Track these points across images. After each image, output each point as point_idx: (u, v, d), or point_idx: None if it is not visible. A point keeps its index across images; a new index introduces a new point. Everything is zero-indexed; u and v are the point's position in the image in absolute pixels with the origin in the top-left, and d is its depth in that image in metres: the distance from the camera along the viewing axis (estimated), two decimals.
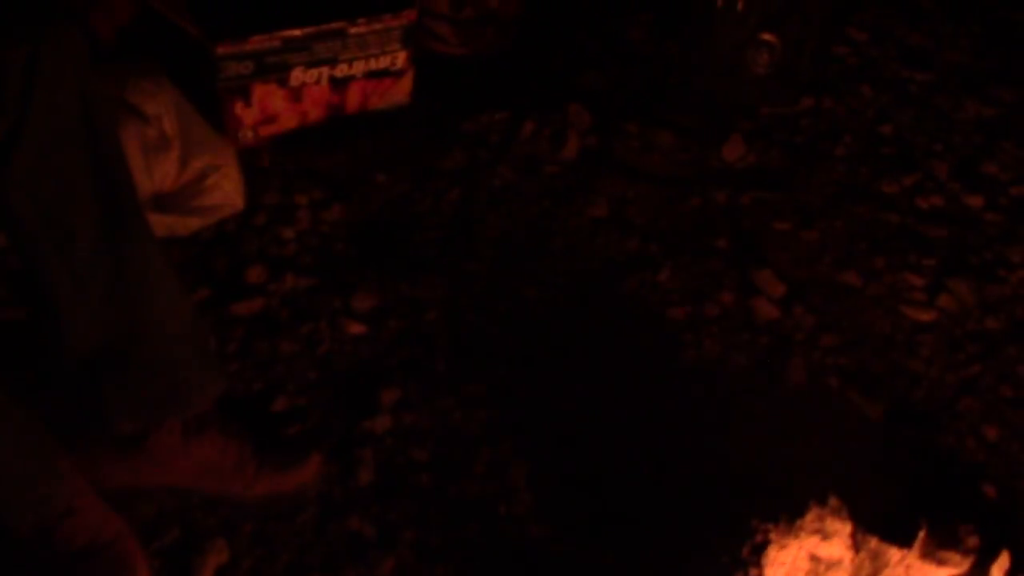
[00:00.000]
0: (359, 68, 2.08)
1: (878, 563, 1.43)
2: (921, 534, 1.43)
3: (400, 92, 2.18)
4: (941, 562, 1.45)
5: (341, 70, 2.06)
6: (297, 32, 1.96)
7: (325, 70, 2.04)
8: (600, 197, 2.15)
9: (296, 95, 2.03)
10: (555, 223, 2.08)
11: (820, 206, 2.19)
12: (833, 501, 1.41)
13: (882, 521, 1.44)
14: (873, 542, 1.42)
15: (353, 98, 2.12)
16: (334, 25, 1.99)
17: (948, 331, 1.91)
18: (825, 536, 1.38)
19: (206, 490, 1.51)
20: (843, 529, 1.39)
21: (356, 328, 1.81)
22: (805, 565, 1.37)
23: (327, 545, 1.50)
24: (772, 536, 1.37)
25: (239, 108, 1.97)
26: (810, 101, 2.48)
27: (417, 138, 2.21)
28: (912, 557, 1.44)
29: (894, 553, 1.42)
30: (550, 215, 2.10)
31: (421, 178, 2.13)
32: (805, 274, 2.01)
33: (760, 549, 1.37)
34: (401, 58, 2.13)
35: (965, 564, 1.45)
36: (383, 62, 2.11)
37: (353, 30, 2.02)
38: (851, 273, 2.02)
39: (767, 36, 2.35)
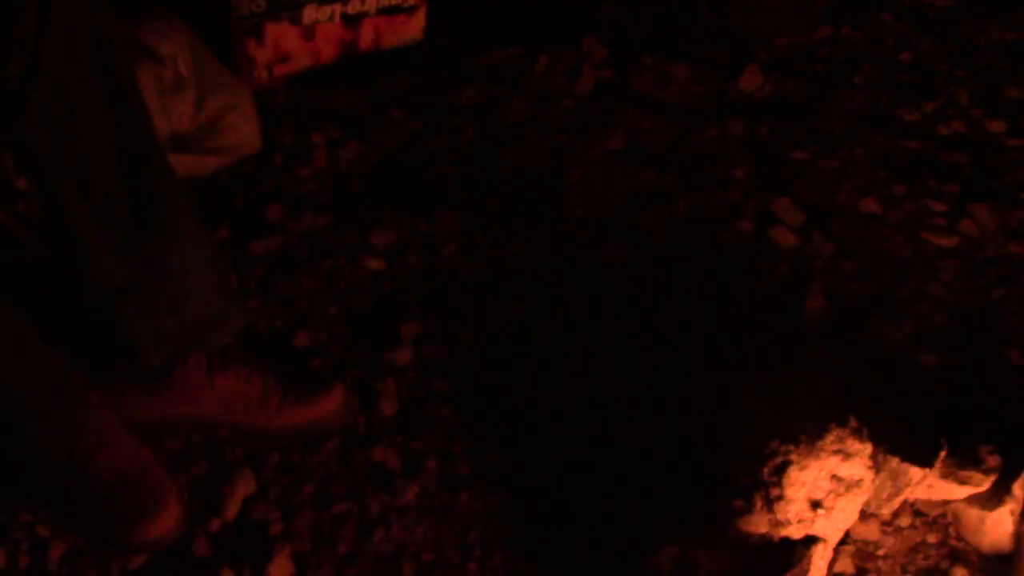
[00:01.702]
0: (371, 4, 2.07)
1: (899, 483, 1.44)
2: (942, 454, 1.44)
3: (413, 28, 2.17)
4: (962, 481, 1.46)
5: (353, 7, 2.05)
6: None
7: (337, 7, 2.03)
8: (616, 130, 2.14)
9: (309, 33, 2.02)
10: (572, 157, 2.07)
11: (839, 134, 2.16)
12: (853, 422, 1.41)
13: (903, 442, 1.44)
14: (894, 462, 1.43)
15: (366, 35, 2.11)
16: None
17: (969, 256, 1.90)
18: (846, 456, 1.39)
19: (232, 422, 1.53)
20: (863, 450, 1.40)
21: (375, 263, 1.82)
22: (826, 485, 1.38)
23: (352, 474, 1.53)
24: (793, 457, 1.38)
25: (252, 47, 1.97)
26: (828, 30, 2.44)
27: (431, 75, 2.20)
28: (933, 477, 1.45)
29: (915, 473, 1.43)
30: (566, 149, 2.09)
31: (436, 114, 2.13)
32: (824, 202, 2.00)
33: (781, 470, 1.37)
34: None
35: (986, 483, 1.45)
36: None
37: None
38: (871, 200, 2.00)
39: None
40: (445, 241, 1.87)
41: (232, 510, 1.47)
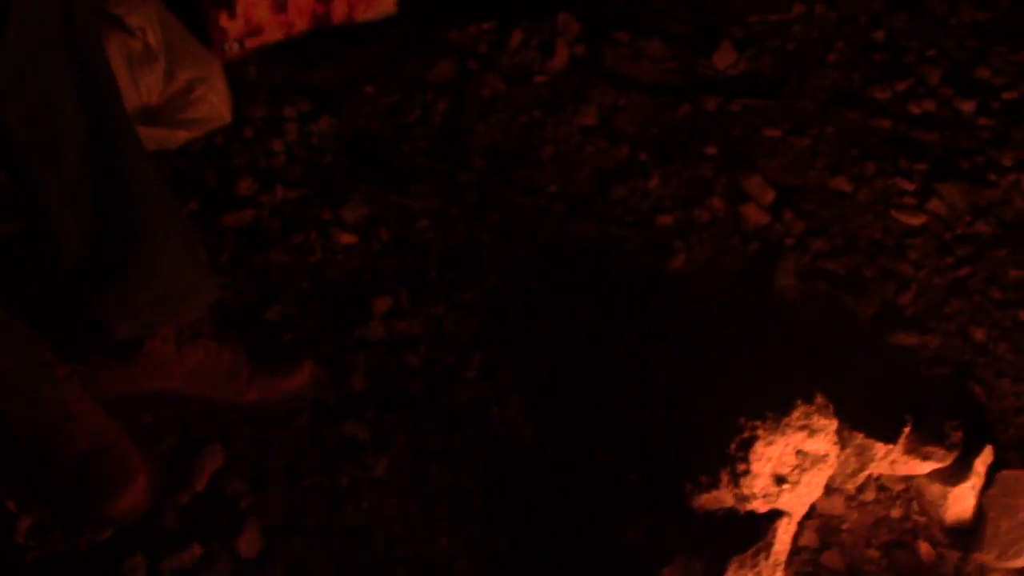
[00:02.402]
0: None
1: (863, 458, 1.46)
2: (906, 430, 1.46)
3: (386, 2, 2.15)
4: (925, 456, 1.48)
5: None
6: None
7: None
8: (590, 106, 2.14)
9: (281, 5, 2.01)
10: (545, 132, 2.07)
11: (811, 112, 2.18)
12: (819, 399, 1.43)
13: (868, 418, 1.46)
14: (859, 438, 1.45)
15: (339, 8, 2.09)
16: None
17: (938, 235, 1.92)
18: (811, 432, 1.40)
19: (202, 396, 1.53)
20: (829, 425, 1.41)
21: (347, 238, 1.81)
22: (791, 460, 1.40)
23: (322, 448, 1.53)
24: (759, 432, 1.39)
25: (224, 19, 1.95)
26: (801, 7, 2.45)
27: (405, 49, 2.19)
28: (897, 452, 1.47)
29: (879, 448, 1.45)
30: (540, 125, 2.09)
31: (410, 89, 2.12)
32: (795, 180, 2.01)
33: (747, 444, 1.39)
34: None
35: (949, 458, 1.48)
36: None
37: None
38: (841, 179, 2.02)
39: None
40: (417, 216, 1.87)
41: (201, 483, 1.47)
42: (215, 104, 1.94)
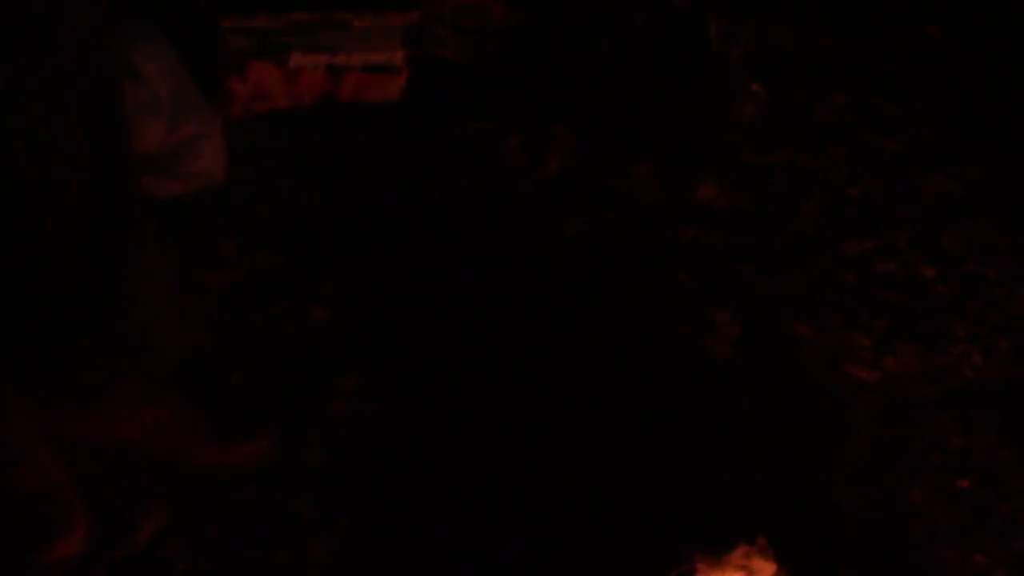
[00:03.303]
0: (357, 60, 2.11)
1: None
2: None
3: (393, 89, 2.21)
4: None
5: (340, 59, 2.09)
6: (303, 16, 1.99)
7: (324, 57, 2.07)
8: (574, 218, 2.19)
9: (292, 77, 2.06)
10: (529, 237, 2.12)
11: (783, 256, 2.25)
12: (761, 541, 1.46)
13: (805, 567, 1.49)
14: None
15: (347, 88, 2.15)
16: (340, 15, 2.03)
17: (888, 393, 1.97)
18: (750, 573, 1.43)
19: (154, 452, 1.52)
20: (767, 569, 1.44)
21: (322, 313, 1.83)
22: None
23: (266, 521, 1.52)
24: (699, 567, 1.42)
25: (235, 82, 1.99)
26: (786, 154, 2.55)
27: (404, 137, 2.25)
28: None
29: None
30: (525, 229, 2.14)
31: (403, 175, 2.17)
32: (761, 319, 2.07)
33: None
34: (399, 56, 2.17)
35: None
36: (381, 58, 2.14)
37: (357, 23, 2.06)
38: (804, 325, 2.08)
39: (755, 87, 2.42)
40: (395, 301, 1.89)
41: (140, 542, 1.46)
42: (212, 162, 1.97)
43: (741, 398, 1.88)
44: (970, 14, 3.03)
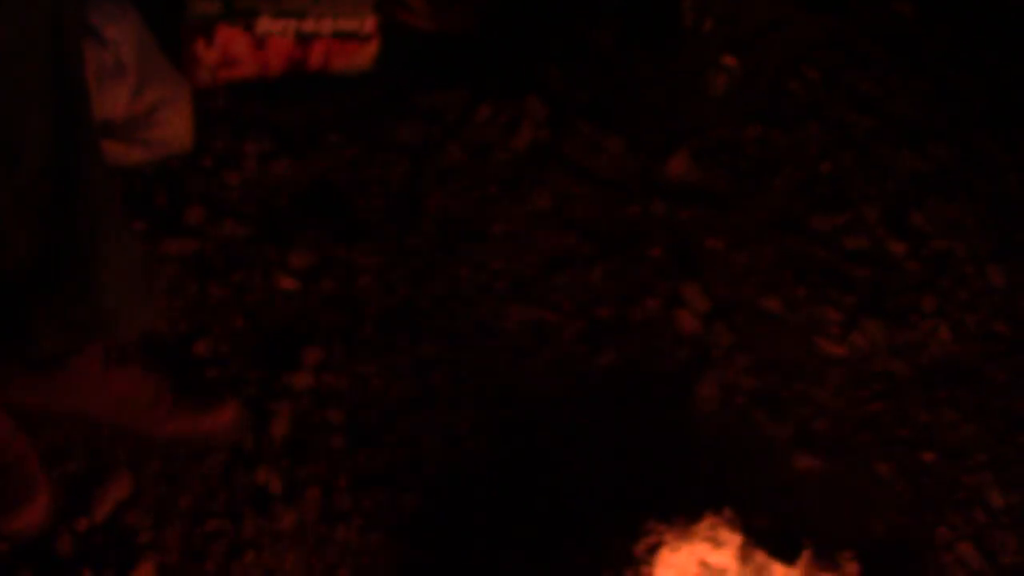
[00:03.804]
0: (326, 26, 2.08)
1: None
2: (805, 553, 1.50)
3: (363, 57, 2.18)
4: None
5: (308, 25, 2.05)
6: None
7: (292, 23, 2.03)
8: (545, 190, 2.18)
9: (260, 43, 2.02)
10: (498, 209, 2.11)
11: (753, 231, 2.25)
12: (727, 512, 1.47)
13: (771, 537, 1.50)
14: (760, 556, 1.48)
15: (316, 56, 2.11)
16: None
17: (856, 367, 1.99)
18: (716, 544, 1.44)
19: (117, 422, 1.51)
20: (733, 540, 1.45)
21: (288, 283, 1.81)
22: (694, 570, 1.43)
23: (231, 492, 1.51)
24: (666, 538, 1.43)
25: (201, 47, 1.95)
26: (758, 130, 2.54)
27: (374, 106, 2.22)
28: (795, 574, 1.51)
29: (777, 568, 1.49)
30: (494, 201, 2.12)
31: (373, 146, 2.14)
32: (730, 294, 2.07)
33: (654, 549, 1.42)
34: (369, 23, 2.13)
35: None
36: (351, 24, 2.11)
37: None
38: (774, 299, 2.09)
39: (728, 60, 2.41)
40: (362, 272, 1.88)
41: (102, 512, 1.44)
42: (178, 128, 1.93)
43: (708, 372, 1.88)
44: None
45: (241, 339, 1.71)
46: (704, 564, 1.43)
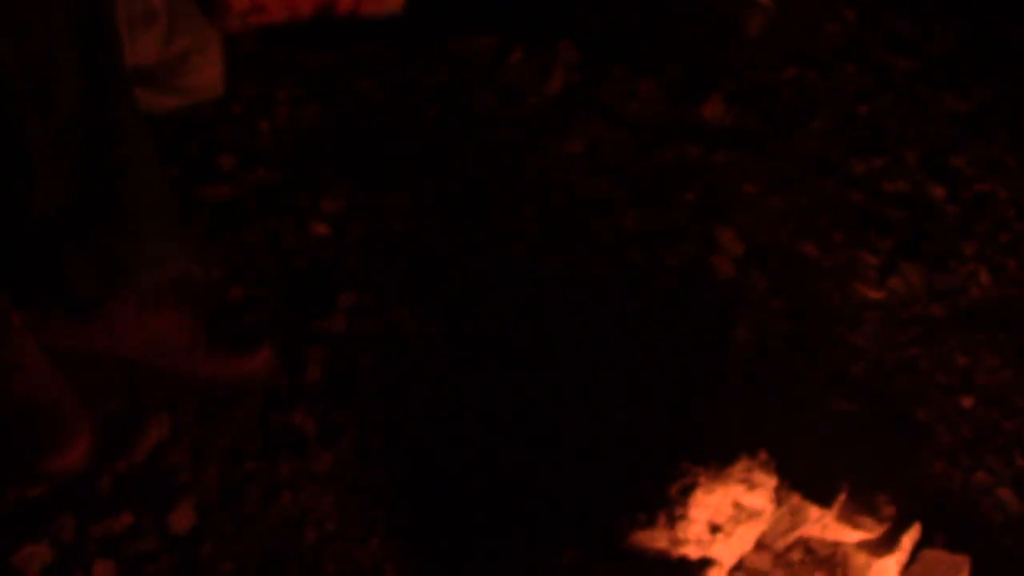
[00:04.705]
0: None
1: (797, 519, 1.49)
2: (841, 497, 1.49)
3: (393, 1, 2.15)
4: (856, 525, 1.51)
5: None
6: None
7: None
8: (577, 135, 2.16)
9: None
10: (530, 155, 2.09)
11: (790, 175, 2.22)
12: (762, 455, 1.46)
13: (806, 480, 1.49)
14: (795, 498, 1.48)
15: (346, 0, 2.08)
16: None
17: (894, 312, 1.97)
18: (751, 486, 1.43)
19: (155, 365, 1.52)
20: (768, 482, 1.44)
21: (321, 229, 1.81)
22: (728, 511, 1.42)
23: (267, 434, 1.52)
24: (701, 480, 1.42)
25: None
26: (795, 71, 2.50)
27: (405, 50, 2.20)
28: (829, 517, 1.50)
29: (813, 511, 1.48)
30: (526, 146, 2.11)
31: (404, 90, 2.13)
32: (766, 238, 2.05)
33: (688, 491, 1.41)
34: None
35: (878, 530, 1.51)
36: None
37: None
38: (810, 244, 2.06)
39: (764, 0, 2.37)
40: (394, 217, 1.87)
41: (141, 452, 1.46)
42: (209, 75, 1.92)
43: (744, 316, 1.86)
44: None
45: (274, 284, 1.71)
46: (738, 505, 1.43)
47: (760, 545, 1.51)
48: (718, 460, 1.44)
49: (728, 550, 1.42)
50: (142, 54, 1.86)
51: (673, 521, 1.39)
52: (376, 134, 2.03)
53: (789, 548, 1.55)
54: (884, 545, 1.51)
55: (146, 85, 1.86)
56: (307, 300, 1.71)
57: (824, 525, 1.51)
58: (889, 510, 1.52)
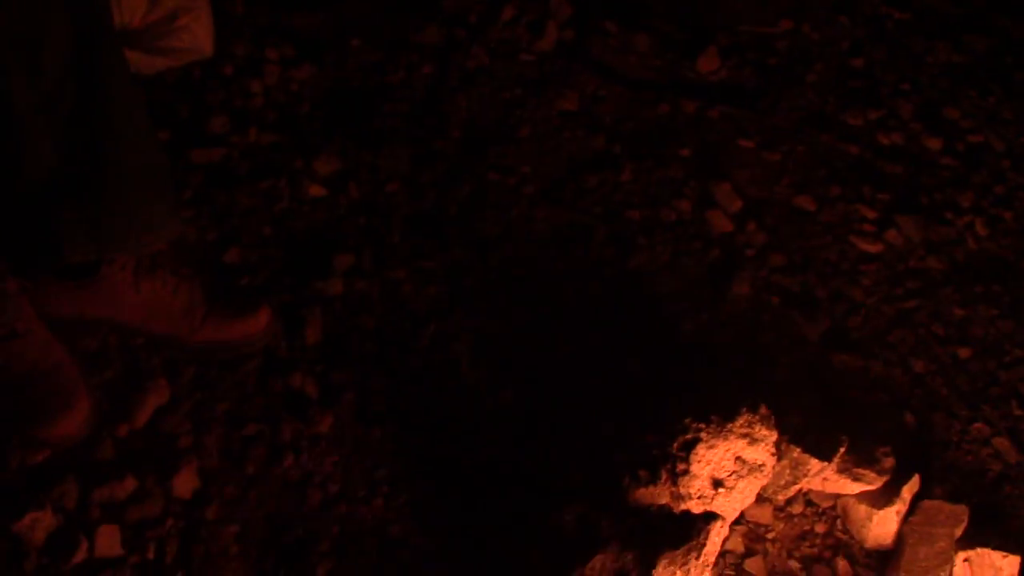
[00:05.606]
0: None
1: (797, 472, 1.50)
2: (841, 449, 1.50)
3: None
4: (856, 478, 1.52)
5: None
6: None
7: None
8: (571, 92, 2.14)
9: None
10: (524, 112, 2.07)
11: (785, 129, 2.21)
12: (763, 409, 1.46)
13: (806, 434, 1.50)
14: (796, 452, 1.49)
15: None
16: None
17: (891, 265, 1.96)
18: (752, 441, 1.44)
19: (152, 330, 1.51)
20: (769, 436, 1.45)
21: (316, 190, 1.80)
22: (730, 465, 1.43)
23: (268, 397, 1.52)
24: (703, 435, 1.42)
25: None
26: (789, 24, 2.48)
27: (397, 9, 2.17)
28: (830, 470, 1.51)
29: (814, 464, 1.49)
30: (520, 103, 2.09)
31: (396, 49, 2.10)
32: (762, 193, 2.04)
33: (690, 446, 1.41)
34: None
35: (879, 482, 1.52)
36: None
37: None
38: (806, 198, 2.05)
39: None
40: (389, 177, 1.86)
41: (142, 418, 1.46)
42: (198, 35, 1.90)
43: (741, 271, 1.86)
44: None
45: (270, 246, 1.70)
46: (740, 460, 1.43)
47: (761, 498, 1.52)
48: (719, 415, 1.45)
49: (730, 504, 1.43)
50: (129, 15, 1.84)
51: (675, 477, 1.40)
52: (369, 93, 2.00)
53: (790, 501, 1.56)
54: (884, 497, 1.52)
55: (134, 47, 1.85)
56: (304, 262, 1.70)
57: (825, 478, 1.52)
58: (889, 462, 1.53)
